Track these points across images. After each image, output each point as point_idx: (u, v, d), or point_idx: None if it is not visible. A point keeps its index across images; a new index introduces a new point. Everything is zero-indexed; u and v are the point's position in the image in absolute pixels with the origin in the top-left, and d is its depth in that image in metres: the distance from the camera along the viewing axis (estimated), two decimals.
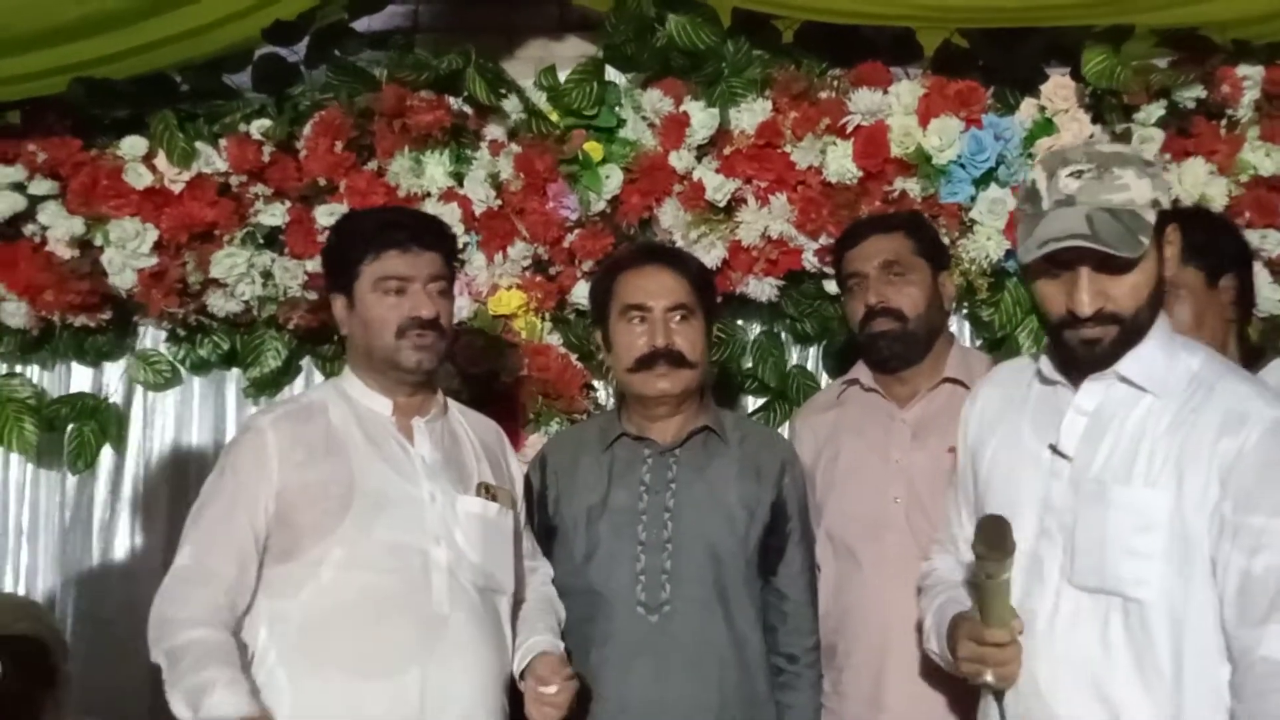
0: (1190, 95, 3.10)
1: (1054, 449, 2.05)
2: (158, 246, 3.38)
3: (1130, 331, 1.99)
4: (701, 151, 3.28)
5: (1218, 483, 1.90)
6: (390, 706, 2.24)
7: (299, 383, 3.59)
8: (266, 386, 3.53)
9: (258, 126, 3.37)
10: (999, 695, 2.02)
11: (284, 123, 3.38)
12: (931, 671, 2.43)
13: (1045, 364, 2.13)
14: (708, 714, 2.46)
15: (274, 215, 3.37)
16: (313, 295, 3.32)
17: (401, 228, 2.45)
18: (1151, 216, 1.94)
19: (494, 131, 3.37)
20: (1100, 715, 1.94)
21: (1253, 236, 3.00)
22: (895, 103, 3.19)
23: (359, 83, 3.37)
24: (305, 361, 3.59)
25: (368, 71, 3.38)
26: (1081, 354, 2.01)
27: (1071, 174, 1.95)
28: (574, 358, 3.33)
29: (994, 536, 1.94)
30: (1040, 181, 1.98)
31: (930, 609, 2.27)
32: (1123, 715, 1.93)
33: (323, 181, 3.35)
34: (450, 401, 2.59)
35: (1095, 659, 1.95)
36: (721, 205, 3.24)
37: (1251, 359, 2.50)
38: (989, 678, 2.00)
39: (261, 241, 3.40)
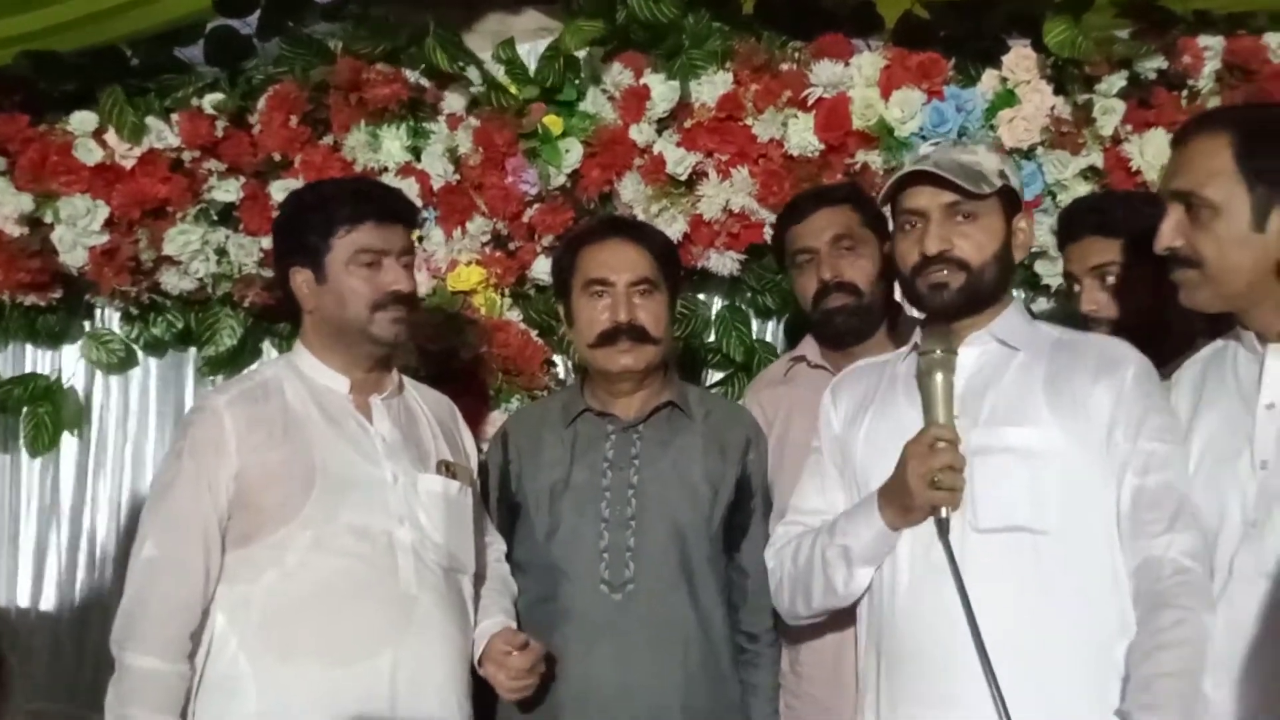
0: (1151, 66, 3.10)
1: None
2: (109, 223, 3.35)
3: (976, 284, 2.15)
4: (662, 125, 3.25)
5: (1105, 417, 2.08)
6: (363, 692, 2.22)
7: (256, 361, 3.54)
8: (222, 365, 3.48)
9: (210, 101, 3.33)
10: (944, 528, 2.05)
11: (237, 97, 3.34)
12: None
13: (920, 335, 2.25)
14: (672, 693, 2.44)
15: (228, 191, 3.34)
16: (269, 272, 3.27)
17: (374, 200, 2.41)
18: (996, 180, 2.14)
19: (452, 105, 3.32)
20: (1025, 646, 2.00)
21: None
22: (857, 75, 3.17)
23: (313, 55, 3.33)
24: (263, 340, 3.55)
25: (322, 44, 3.34)
26: (930, 300, 2.16)
27: (931, 145, 2.21)
28: (534, 334, 3.31)
29: (941, 336, 2.12)
30: (907, 160, 2.24)
31: (822, 532, 2.25)
32: (1047, 644, 2.01)
33: (277, 156, 3.31)
34: (404, 378, 2.56)
35: (1011, 594, 2.03)
36: (682, 179, 3.22)
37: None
38: (939, 477, 2.04)
39: (215, 218, 3.37)
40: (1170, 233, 1.96)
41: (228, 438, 2.29)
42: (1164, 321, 2.52)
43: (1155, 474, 2.04)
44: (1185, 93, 3.14)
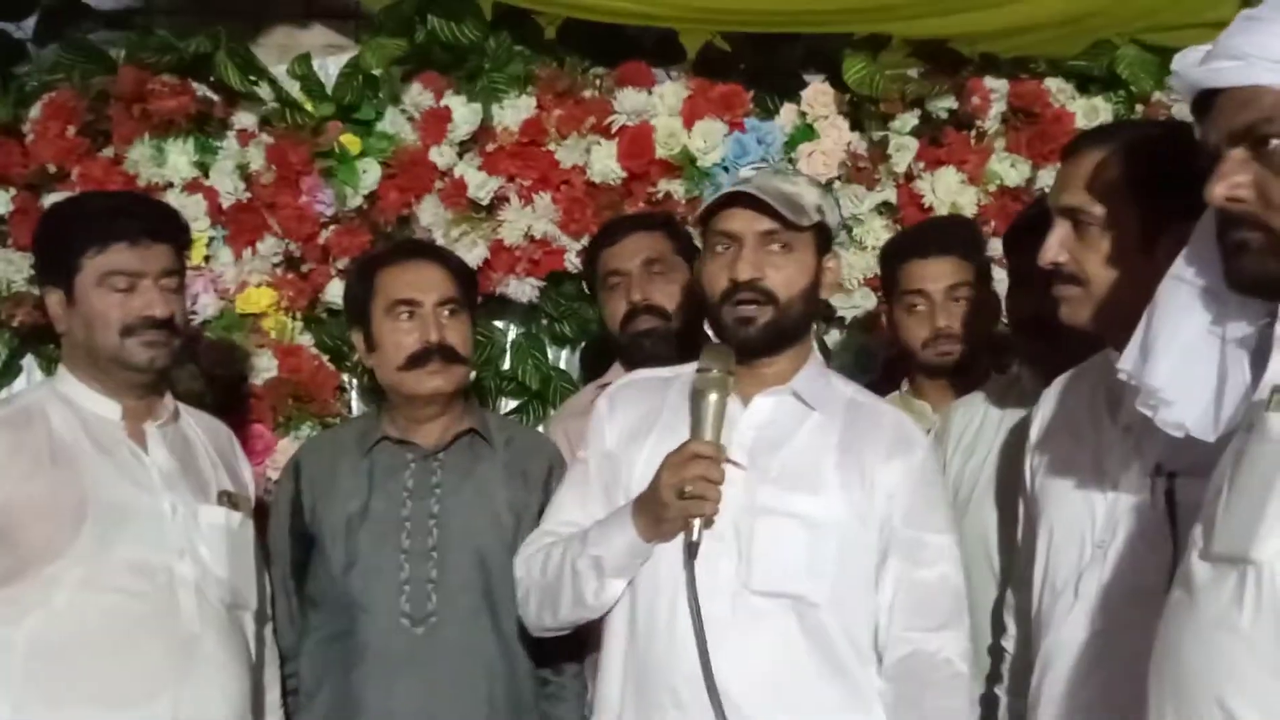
0: (943, 105, 3.20)
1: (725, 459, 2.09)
2: None
3: (783, 321, 2.11)
4: (463, 148, 3.20)
5: (885, 497, 2.09)
6: None
7: (20, 384, 3.30)
8: None
9: None
10: (693, 551, 2.01)
11: (8, 104, 3.15)
12: None
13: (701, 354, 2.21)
14: None
15: None
16: (39, 290, 3.09)
17: (132, 217, 2.26)
18: (814, 215, 2.11)
19: (243, 120, 3.21)
20: (783, 711, 2.01)
21: (998, 244, 3.09)
22: (660, 103, 3.19)
23: (94, 63, 3.17)
24: (27, 361, 3.32)
25: (104, 52, 3.18)
26: (734, 333, 2.10)
27: (752, 169, 2.18)
28: (326, 359, 3.21)
29: (721, 356, 2.07)
30: (724, 184, 2.18)
31: (574, 540, 2.16)
32: (805, 709, 2.03)
33: (52, 168, 3.13)
34: (179, 404, 2.43)
35: (776, 659, 2.03)
36: (484, 203, 3.17)
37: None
38: (690, 488, 1.99)
39: None
40: (1056, 247, 1.90)
41: None
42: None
43: (931, 567, 2.08)
44: (974, 133, 3.25)
